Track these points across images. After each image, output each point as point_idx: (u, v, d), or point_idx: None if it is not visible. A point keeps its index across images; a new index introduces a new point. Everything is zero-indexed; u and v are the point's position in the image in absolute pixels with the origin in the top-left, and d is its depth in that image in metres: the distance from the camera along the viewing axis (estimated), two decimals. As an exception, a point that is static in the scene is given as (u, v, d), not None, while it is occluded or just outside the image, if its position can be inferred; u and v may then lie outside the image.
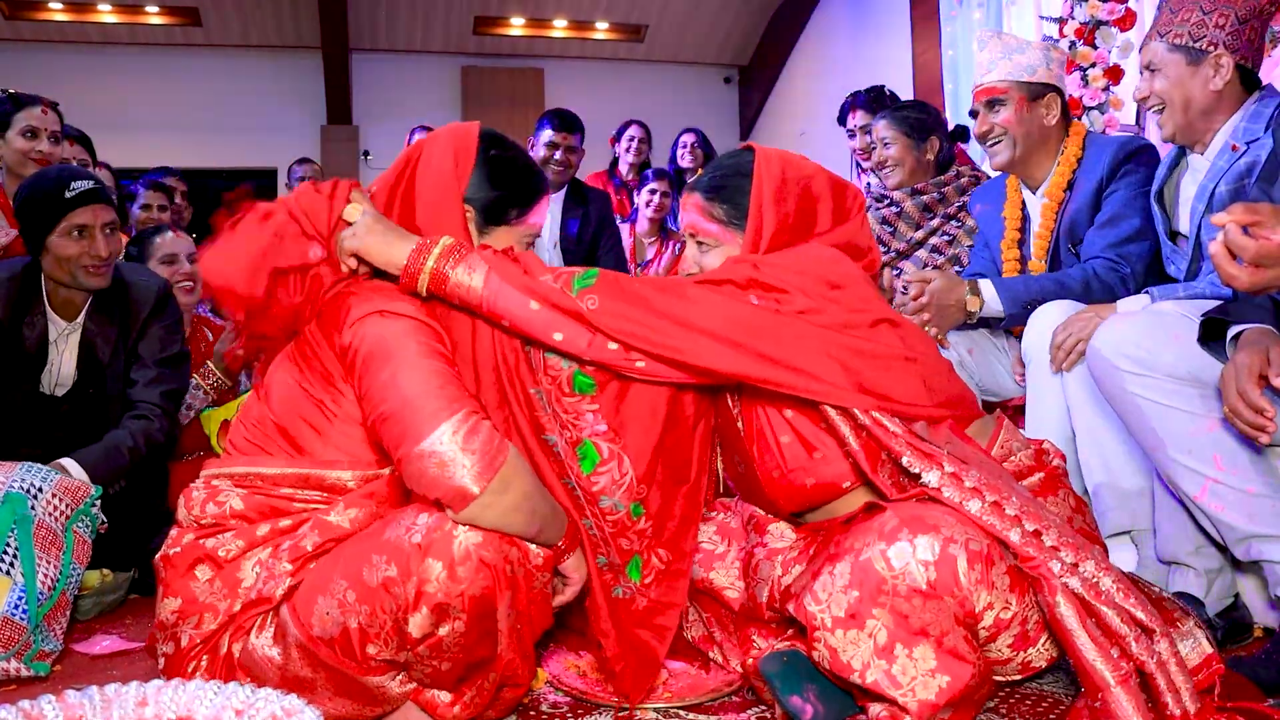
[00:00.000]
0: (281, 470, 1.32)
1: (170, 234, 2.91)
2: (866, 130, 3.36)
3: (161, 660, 1.32)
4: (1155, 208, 1.99)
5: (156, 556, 1.37)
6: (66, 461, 1.94)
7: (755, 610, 1.48)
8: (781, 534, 1.52)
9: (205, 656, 1.28)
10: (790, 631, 1.44)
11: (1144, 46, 1.94)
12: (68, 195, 2.07)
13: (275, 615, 1.27)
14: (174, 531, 1.36)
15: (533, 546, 1.24)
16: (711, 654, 1.58)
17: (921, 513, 1.24)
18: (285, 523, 1.31)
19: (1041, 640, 1.31)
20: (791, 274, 1.40)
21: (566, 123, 3.55)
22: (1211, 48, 1.83)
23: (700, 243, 1.55)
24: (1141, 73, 1.95)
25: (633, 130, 4.71)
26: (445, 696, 1.27)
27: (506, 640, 1.23)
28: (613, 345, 1.35)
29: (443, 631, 1.17)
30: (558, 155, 3.55)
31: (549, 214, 3.67)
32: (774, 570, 1.47)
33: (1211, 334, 1.53)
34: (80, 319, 2.17)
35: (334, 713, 1.25)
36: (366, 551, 1.20)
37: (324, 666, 1.22)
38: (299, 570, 1.27)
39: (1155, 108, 1.91)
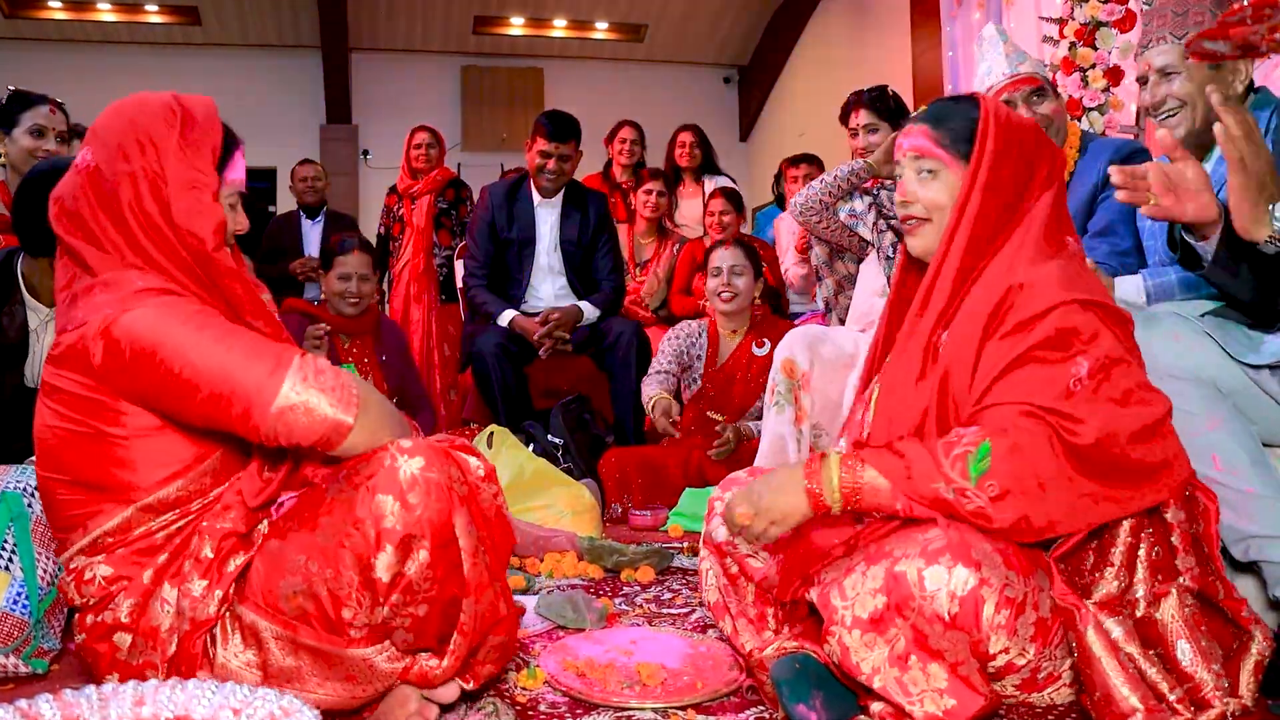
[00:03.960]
0: (122, 516, 1.26)
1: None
2: (870, 129, 3.36)
3: None
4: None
5: (75, 647, 1.34)
6: None
7: (779, 586, 1.47)
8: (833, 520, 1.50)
9: None
10: (799, 629, 1.44)
11: (1146, 49, 1.92)
12: None
13: (236, 622, 1.24)
14: (75, 618, 1.32)
15: (472, 460, 1.25)
16: (721, 623, 1.58)
17: (972, 541, 1.23)
18: (163, 558, 1.27)
19: (1048, 689, 1.33)
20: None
21: (559, 131, 3.53)
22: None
23: (923, 170, 1.48)
24: (1147, 75, 1.92)
25: (625, 131, 4.70)
26: (434, 662, 1.25)
27: (471, 561, 1.21)
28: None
29: (410, 570, 1.16)
30: (550, 165, 3.55)
31: (548, 218, 3.67)
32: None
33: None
34: None
35: (326, 701, 1.23)
36: (314, 518, 1.19)
37: (306, 649, 1.20)
38: (219, 579, 1.24)
39: (1171, 111, 1.88)
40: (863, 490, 1.29)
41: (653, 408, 3.13)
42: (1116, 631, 1.26)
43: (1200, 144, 1.88)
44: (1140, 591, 1.32)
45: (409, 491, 1.16)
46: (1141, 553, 1.33)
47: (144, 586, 1.26)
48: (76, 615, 1.32)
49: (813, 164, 4.47)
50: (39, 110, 2.68)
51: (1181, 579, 1.33)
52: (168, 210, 1.27)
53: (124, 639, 1.27)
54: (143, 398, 1.23)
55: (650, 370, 3.31)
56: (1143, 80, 1.93)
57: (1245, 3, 1.16)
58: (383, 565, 1.15)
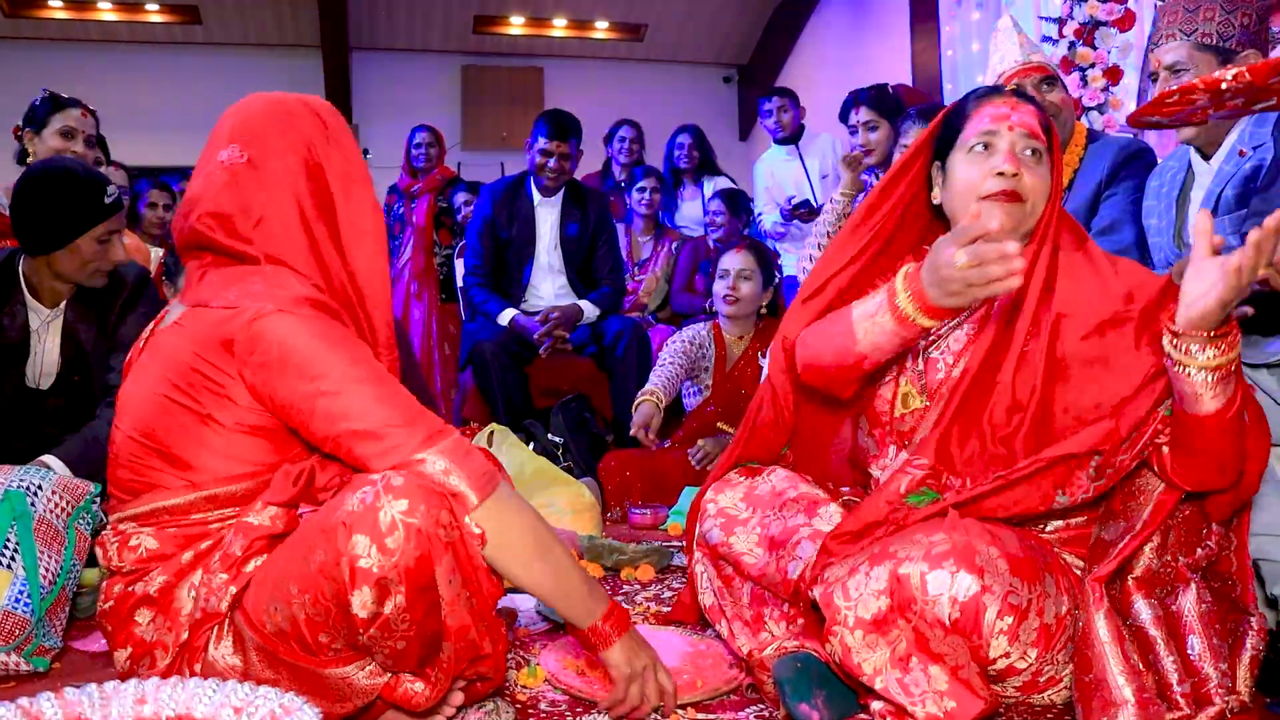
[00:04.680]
0: (186, 499, 1.27)
1: None
2: (870, 127, 3.36)
3: None
4: (1174, 213, 1.98)
5: (96, 614, 1.35)
6: (48, 458, 1.95)
7: (779, 585, 1.47)
8: (830, 517, 1.50)
9: None
10: (799, 625, 1.44)
11: (1158, 47, 1.91)
12: (106, 201, 2.09)
13: (231, 625, 1.24)
14: (104, 584, 1.34)
15: (467, 518, 1.21)
16: (718, 626, 1.58)
17: (978, 546, 1.23)
18: (206, 544, 1.28)
19: (1048, 691, 1.34)
20: None
21: (560, 130, 3.53)
22: (1240, 48, 1.82)
23: (1031, 148, 1.46)
24: (1157, 73, 1.91)
25: (624, 131, 4.69)
26: (419, 686, 1.24)
27: (450, 608, 1.19)
28: None
29: (387, 609, 1.14)
30: (550, 163, 3.55)
31: (548, 217, 3.67)
32: (814, 554, 1.44)
33: None
34: (62, 306, 2.18)
35: None
36: (302, 542, 1.18)
37: (284, 665, 1.19)
38: (235, 576, 1.24)
39: None
40: (1232, 363, 1.20)
41: (636, 407, 2.98)
42: (1146, 614, 1.27)
43: (1210, 140, 1.88)
44: (1155, 565, 1.33)
45: (387, 535, 1.12)
46: (1170, 536, 1.35)
47: (180, 567, 1.28)
48: (105, 581, 1.33)
49: (785, 96, 4.49)
50: (70, 113, 2.71)
51: (1206, 544, 1.34)
52: (328, 209, 1.33)
53: (145, 615, 1.28)
54: (268, 397, 1.23)
55: (656, 365, 3.18)
56: (1154, 76, 1.93)
57: (1175, 87, 1.21)
58: (359, 603, 1.13)
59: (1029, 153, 1.46)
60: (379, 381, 1.23)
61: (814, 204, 4.25)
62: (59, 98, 2.75)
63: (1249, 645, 1.30)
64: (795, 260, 4.46)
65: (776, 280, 3.33)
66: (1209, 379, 1.19)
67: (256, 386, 1.23)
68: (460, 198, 4.81)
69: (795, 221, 4.31)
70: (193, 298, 1.31)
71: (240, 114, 1.36)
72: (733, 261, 3.17)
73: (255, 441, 1.27)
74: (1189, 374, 1.20)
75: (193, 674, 1.25)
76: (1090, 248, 1.48)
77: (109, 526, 1.33)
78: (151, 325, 1.38)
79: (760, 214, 4.51)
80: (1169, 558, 1.34)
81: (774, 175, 4.58)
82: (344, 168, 1.35)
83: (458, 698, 1.34)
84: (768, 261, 3.24)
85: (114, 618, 1.30)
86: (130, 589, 1.29)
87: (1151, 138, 3.58)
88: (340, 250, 1.34)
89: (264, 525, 1.26)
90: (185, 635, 1.25)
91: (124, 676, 1.28)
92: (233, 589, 1.24)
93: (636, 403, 3.00)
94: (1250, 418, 1.26)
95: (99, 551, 1.33)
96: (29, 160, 2.70)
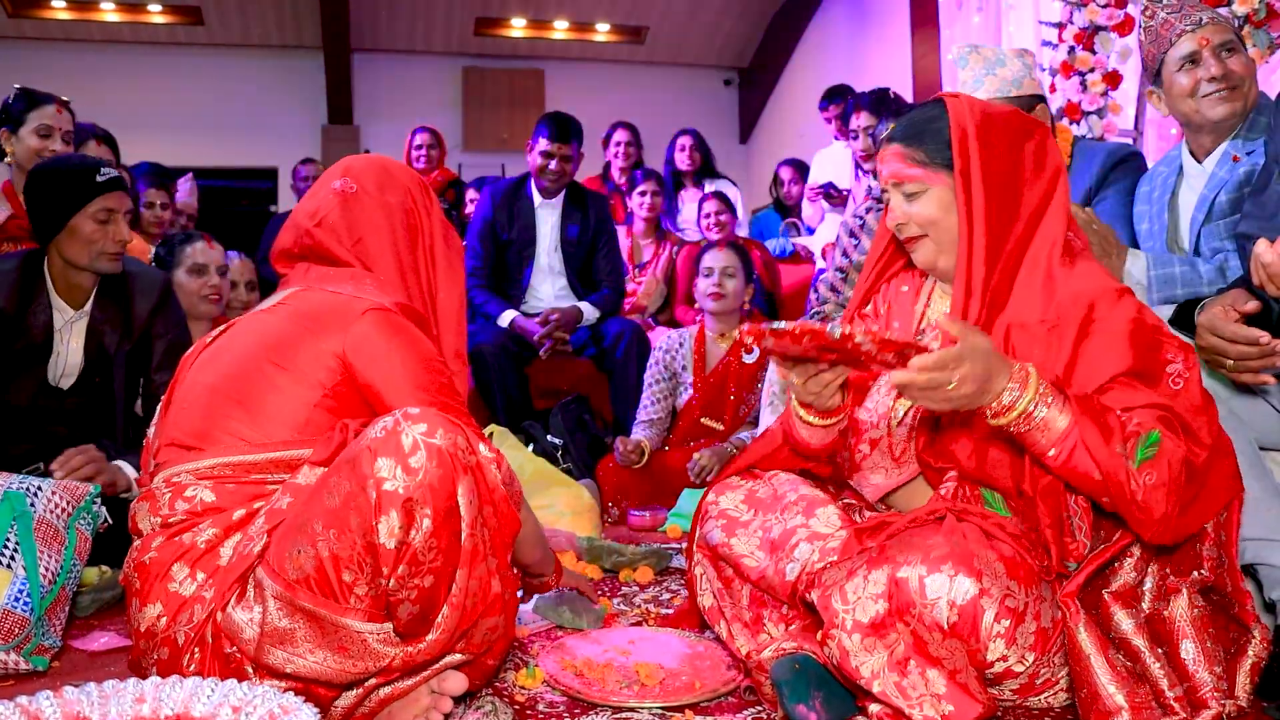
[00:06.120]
0: (253, 458, 1.34)
1: (202, 243, 2.89)
2: (870, 131, 3.36)
3: (153, 670, 1.28)
4: (1166, 217, 1.98)
5: (126, 568, 1.35)
6: (120, 462, 2.00)
7: (778, 587, 1.47)
8: (828, 519, 1.49)
9: (197, 649, 1.26)
10: (797, 626, 1.44)
11: (1200, 28, 1.89)
12: (99, 179, 2.12)
13: (252, 577, 1.25)
14: (138, 541, 1.35)
15: (482, 446, 1.27)
16: (717, 627, 1.59)
17: (975, 550, 1.23)
18: (259, 504, 1.32)
19: (1045, 694, 1.34)
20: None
21: (561, 132, 3.55)
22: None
23: (907, 194, 1.47)
24: (1199, 54, 1.88)
25: (619, 134, 4.70)
26: (420, 646, 1.23)
27: (469, 531, 1.20)
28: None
29: (414, 538, 1.15)
30: (552, 165, 3.56)
31: (548, 219, 3.68)
32: (811, 555, 1.44)
33: (1182, 323, 1.55)
34: (87, 307, 2.20)
35: (315, 669, 1.21)
36: (326, 481, 1.20)
37: (302, 612, 1.19)
38: (275, 528, 1.26)
39: (1233, 85, 1.86)
40: (1034, 423, 1.23)
41: (626, 443, 3.08)
42: (1127, 624, 1.27)
43: (1230, 126, 1.88)
44: (1149, 584, 1.33)
45: (410, 455, 1.16)
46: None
47: (231, 523, 1.31)
48: (140, 538, 1.35)
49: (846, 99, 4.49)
50: (45, 110, 2.68)
51: (1201, 570, 1.34)
52: (418, 242, 1.60)
53: (181, 570, 1.29)
54: (356, 372, 1.39)
55: (640, 406, 3.23)
56: (1196, 58, 1.88)
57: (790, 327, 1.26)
58: (386, 531, 1.14)
59: (903, 198, 1.48)
60: (438, 392, 1.41)
61: (838, 189, 4.30)
62: (33, 94, 2.70)
63: (1251, 653, 1.31)
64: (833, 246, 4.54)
65: (756, 276, 3.37)
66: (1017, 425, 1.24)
67: (350, 360, 1.39)
68: (471, 195, 4.82)
69: (822, 202, 4.38)
70: (300, 284, 1.51)
71: (353, 160, 1.66)
72: (716, 259, 3.22)
73: (332, 406, 1.38)
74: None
75: (215, 627, 1.26)
76: (1052, 256, 1.42)
77: (159, 481, 1.36)
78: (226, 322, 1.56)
79: (807, 189, 4.57)
80: (1167, 570, 1.34)
81: (824, 167, 4.63)
82: (433, 216, 1.64)
83: (458, 682, 1.31)
84: (748, 260, 3.31)
85: (150, 571, 1.31)
86: (177, 539, 1.31)
87: (1149, 141, 3.59)
88: (424, 277, 1.60)
89: (309, 485, 1.28)
90: (217, 590, 1.27)
91: (152, 636, 1.29)
92: (266, 538, 1.26)
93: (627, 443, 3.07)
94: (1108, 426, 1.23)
95: (143, 506, 1.36)
96: (7, 160, 2.70)
